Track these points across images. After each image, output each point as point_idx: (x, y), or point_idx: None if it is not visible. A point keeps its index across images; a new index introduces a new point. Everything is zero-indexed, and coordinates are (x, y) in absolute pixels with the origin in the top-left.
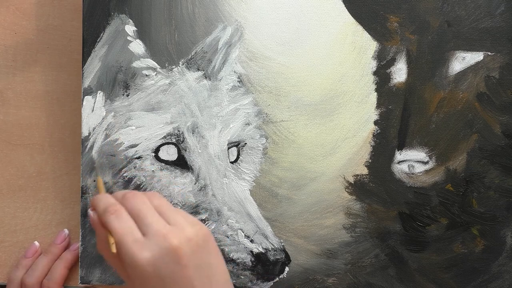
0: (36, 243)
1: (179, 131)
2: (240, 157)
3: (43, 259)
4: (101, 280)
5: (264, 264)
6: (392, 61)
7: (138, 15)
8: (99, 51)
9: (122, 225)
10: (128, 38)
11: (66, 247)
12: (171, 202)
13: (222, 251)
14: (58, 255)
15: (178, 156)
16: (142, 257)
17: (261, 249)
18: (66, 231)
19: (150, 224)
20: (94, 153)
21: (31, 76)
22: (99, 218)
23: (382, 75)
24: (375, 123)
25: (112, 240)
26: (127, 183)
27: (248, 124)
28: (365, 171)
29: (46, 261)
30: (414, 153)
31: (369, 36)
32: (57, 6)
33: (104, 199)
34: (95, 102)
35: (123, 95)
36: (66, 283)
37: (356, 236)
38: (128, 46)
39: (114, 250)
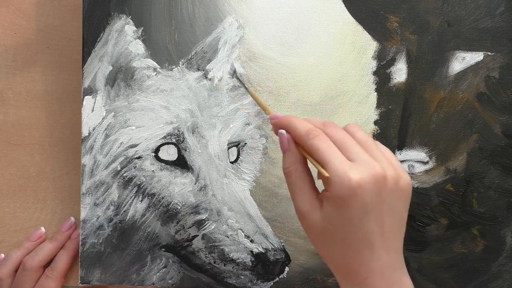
0: (42, 228)
1: (179, 131)
2: (240, 157)
3: (48, 244)
4: (101, 280)
5: (264, 264)
6: (392, 61)
7: (138, 15)
8: (99, 51)
9: (330, 146)
10: (128, 38)
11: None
12: (171, 202)
13: (222, 251)
14: (63, 243)
15: (178, 156)
16: (352, 176)
17: (261, 249)
18: (72, 218)
19: (357, 153)
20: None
21: (31, 76)
22: (297, 139)
23: (382, 75)
24: (375, 123)
25: (315, 164)
26: (127, 183)
27: (248, 124)
28: None
29: (51, 247)
30: (414, 153)
31: (369, 36)
32: (57, 6)
33: (304, 122)
34: (95, 102)
35: (123, 95)
36: (66, 283)
37: None
38: (128, 46)
39: (325, 173)
